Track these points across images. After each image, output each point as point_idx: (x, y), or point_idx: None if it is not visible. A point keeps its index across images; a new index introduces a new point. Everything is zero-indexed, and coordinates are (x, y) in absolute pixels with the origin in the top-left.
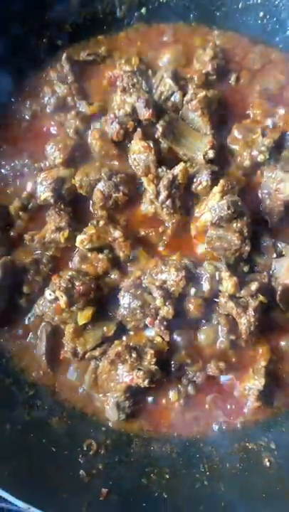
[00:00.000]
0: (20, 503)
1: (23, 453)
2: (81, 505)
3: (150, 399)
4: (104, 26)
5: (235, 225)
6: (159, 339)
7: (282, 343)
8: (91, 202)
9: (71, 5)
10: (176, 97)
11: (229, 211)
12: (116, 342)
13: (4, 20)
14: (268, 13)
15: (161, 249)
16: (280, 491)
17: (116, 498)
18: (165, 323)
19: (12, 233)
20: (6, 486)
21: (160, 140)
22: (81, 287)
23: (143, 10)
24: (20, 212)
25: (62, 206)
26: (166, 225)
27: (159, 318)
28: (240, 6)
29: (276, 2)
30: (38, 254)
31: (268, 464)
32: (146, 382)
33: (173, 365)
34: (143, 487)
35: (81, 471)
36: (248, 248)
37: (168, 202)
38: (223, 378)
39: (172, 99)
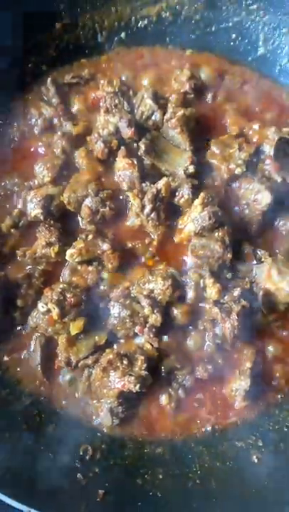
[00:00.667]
0: (20, 505)
1: (22, 459)
2: (79, 507)
3: (142, 403)
4: (86, 50)
5: (216, 234)
6: (148, 346)
7: (266, 345)
8: (79, 217)
9: (55, 32)
10: (157, 115)
11: (210, 221)
12: (107, 350)
13: None
14: (239, 34)
15: (147, 260)
16: (268, 484)
17: (112, 498)
18: (154, 330)
19: (4, 249)
20: (6, 490)
21: (143, 157)
22: (72, 299)
23: (123, 34)
24: (12, 230)
25: (51, 222)
26: (152, 236)
27: (148, 326)
28: (213, 29)
29: (246, 25)
30: (30, 269)
31: (256, 460)
32: (137, 387)
33: (163, 370)
34: (138, 487)
35: (78, 475)
36: (229, 256)
37: (153, 215)
38: (211, 381)
39: (153, 118)
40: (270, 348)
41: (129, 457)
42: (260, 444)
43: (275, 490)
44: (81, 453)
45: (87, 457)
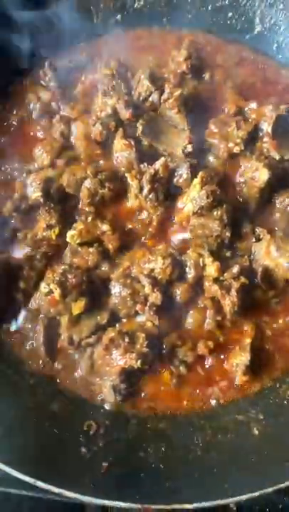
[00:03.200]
0: (27, 477)
1: (27, 435)
2: (84, 478)
3: (144, 380)
4: (83, 34)
5: (215, 213)
6: (149, 324)
7: (265, 320)
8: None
9: (51, 15)
10: (154, 96)
11: (209, 200)
12: (109, 329)
13: None
14: (236, 13)
15: (147, 240)
16: (269, 454)
17: (115, 471)
18: (154, 308)
19: (6, 233)
20: (13, 464)
21: (141, 138)
22: (74, 280)
23: (119, 17)
24: (14, 213)
25: (51, 205)
26: (152, 217)
27: (148, 304)
28: (209, 8)
29: (243, 3)
30: (32, 251)
31: (256, 432)
32: (139, 363)
33: (164, 348)
34: (141, 460)
35: (82, 449)
36: (228, 234)
37: (151, 195)
38: (212, 357)
39: (150, 99)
40: (270, 324)
41: (132, 432)
42: (261, 417)
43: (275, 461)
44: (85, 428)
45: (91, 432)
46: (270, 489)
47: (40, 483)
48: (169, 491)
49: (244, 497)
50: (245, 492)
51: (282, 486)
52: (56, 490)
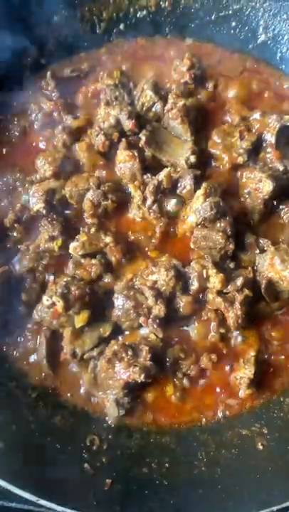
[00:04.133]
0: (29, 495)
1: (28, 449)
2: (87, 495)
3: (147, 394)
4: (85, 43)
5: (219, 224)
6: (153, 336)
7: (269, 333)
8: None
9: (53, 24)
10: (157, 107)
11: (212, 212)
12: (112, 342)
13: None
14: (239, 22)
15: (150, 251)
16: (273, 470)
17: (119, 487)
18: (158, 321)
19: (8, 244)
20: (15, 481)
21: (144, 148)
22: (76, 292)
23: (121, 26)
24: (15, 224)
25: (54, 216)
26: (155, 228)
27: (152, 316)
28: (212, 17)
29: (246, 12)
30: (34, 263)
31: (261, 447)
32: (142, 377)
33: (168, 361)
34: (144, 476)
35: (86, 465)
36: (232, 246)
37: (154, 207)
38: (216, 370)
39: (153, 109)
40: (274, 336)
41: (136, 447)
42: (265, 432)
43: (280, 477)
44: (88, 443)
45: (94, 447)
46: (274, 508)
47: (43, 502)
48: (173, 508)
49: None
50: (252, 510)
51: (288, 504)
52: (59, 509)
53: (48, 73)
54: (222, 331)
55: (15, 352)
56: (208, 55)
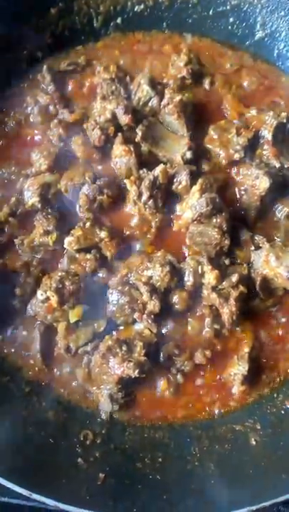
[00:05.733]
0: (21, 489)
1: (22, 445)
2: (80, 490)
3: (141, 389)
4: (82, 37)
5: (214, 220)
6: (147, 332)
7: (263, 330)
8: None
9: (50, 17)
10: (154, 101)
11: (208, 208)
12: (107, 337)
13: None
14: (237, 18)
15: (145, 247)
16: (266, 465)
17: (113, 481)
18: (152, 316)
19: (2, 238)
20: (8, 475)
21: (140, 143)
22: (71, 287)
23: (119, 20)
24: (10, 218)
25: (49, 210)
26: (150, 224)
27: (146, 312)
28: (210, 12)
29: (244, 8)
30: (29, 257)
31: (254, 443)
32: (136, 372)
33: (162, 356)
34: (138, 471)
35: (79, 459)
36: (227, 242)
37: (150, 202)
38: (210, 366)
39: (150, 104)
40: (268, 333)
41: (129, 442)
42: (259, 427)
43: (272, 472)
44: (81, 438)
45: (88, 442)
46: (268, 503)
47: (35, 496)
48: (166, 503)
49: (243, 511)
50: (244, 505)
51: (281, 499)
52: (52, 503)
53: (44, 67)
54: (216, 326)
55: (9, 346)
56: (206, 50)
